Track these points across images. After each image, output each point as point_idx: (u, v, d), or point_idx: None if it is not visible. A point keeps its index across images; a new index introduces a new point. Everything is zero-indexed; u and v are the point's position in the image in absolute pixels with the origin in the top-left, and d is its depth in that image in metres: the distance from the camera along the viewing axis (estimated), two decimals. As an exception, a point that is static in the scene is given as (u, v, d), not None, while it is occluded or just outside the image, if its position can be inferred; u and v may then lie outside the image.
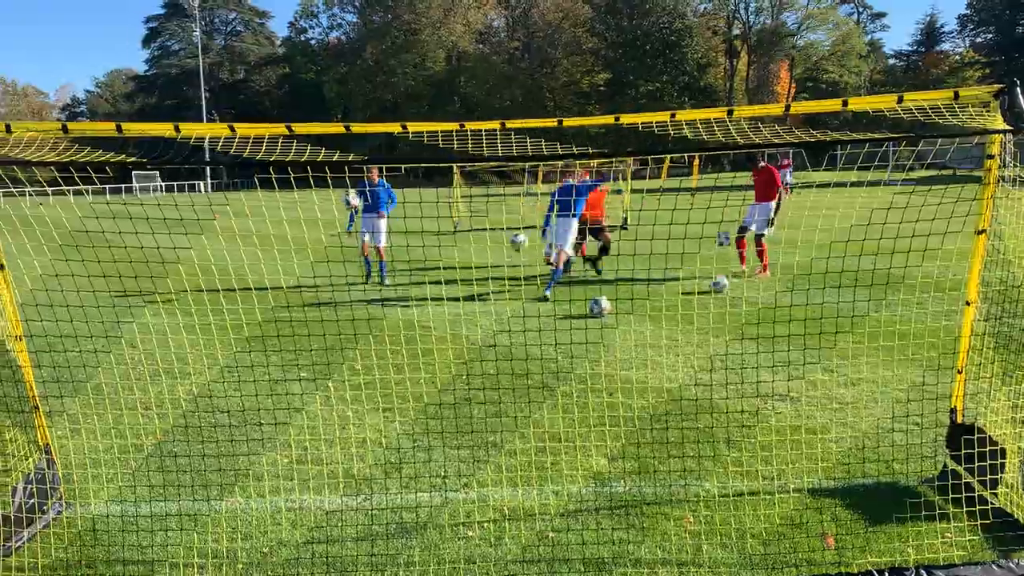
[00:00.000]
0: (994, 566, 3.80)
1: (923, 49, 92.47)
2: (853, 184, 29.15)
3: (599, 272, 13.60)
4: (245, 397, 6.20)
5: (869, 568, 3.80)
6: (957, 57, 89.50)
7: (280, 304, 10.68)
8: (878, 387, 6.66)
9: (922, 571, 3.78)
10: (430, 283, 12.57)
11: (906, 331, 7.74)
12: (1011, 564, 3.80)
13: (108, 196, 33.97)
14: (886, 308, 9.48)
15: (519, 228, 11.71)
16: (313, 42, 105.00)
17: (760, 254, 13.34)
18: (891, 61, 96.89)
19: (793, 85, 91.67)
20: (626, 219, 22.77)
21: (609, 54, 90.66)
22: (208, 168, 58.98)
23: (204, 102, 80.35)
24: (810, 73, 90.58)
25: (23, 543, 4.34)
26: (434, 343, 8.29)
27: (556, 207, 11.67)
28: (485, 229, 20.10)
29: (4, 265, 4.43)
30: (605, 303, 10.10)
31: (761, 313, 8.82)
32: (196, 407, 6.40)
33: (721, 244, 13.67)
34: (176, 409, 6.35)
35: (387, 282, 13.02)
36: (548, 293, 11.62)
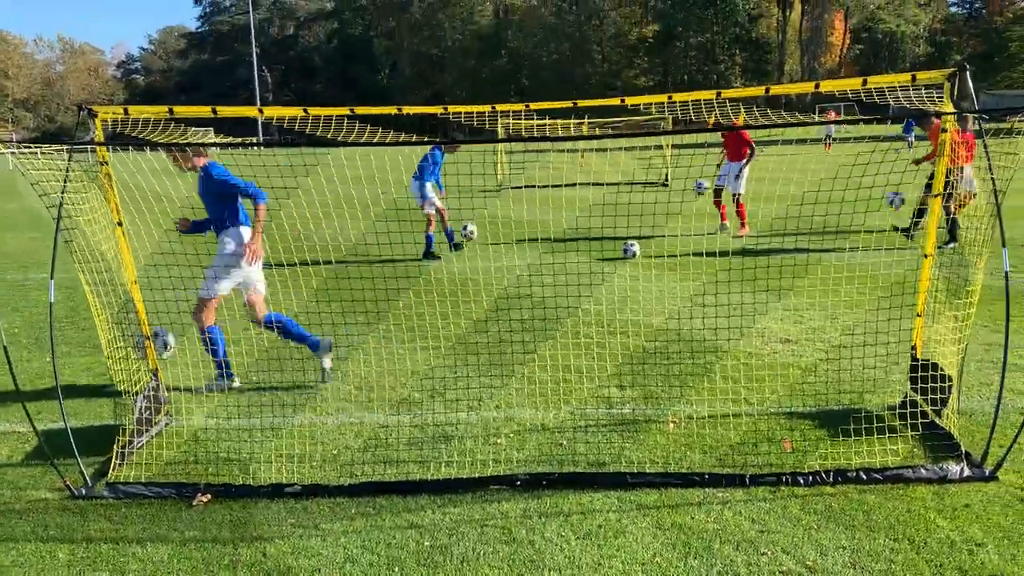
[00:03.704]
0: (922, 469, 4.66)
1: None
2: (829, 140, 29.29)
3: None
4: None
5: (818, 468, 4.69)
6: (1023, 4, 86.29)
7: (340, 259, 11.78)
8: (862, 330, 7.45)
9: (861, 472, 4.66)
10: (472, 241, 13.53)
11: (877, 277, 8.49)
12: (936, 468, 4.65)
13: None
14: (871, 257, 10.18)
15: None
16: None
17: (739, 213, 13.82)
18: (952, 9, 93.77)
19: (848, 36, 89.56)
20: (667, 175, 23.49)
21: (658, 5, 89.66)
22: (260, 130, 60.71)
23: (255, 58, 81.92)
24: (866, 23, 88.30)
25: (143, 445, 5.46)
26: (471, 292, 9.27)
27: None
28: (528, 187, 20.99)
29: (123, 222, 5.48)
30: (636, 247, 11.64)
31: (764, 261, 9.60)
32: (269, 345, 7.49)
33: (700, 193, 14.34)
34: (257, 347, 7.45)
35: None
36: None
